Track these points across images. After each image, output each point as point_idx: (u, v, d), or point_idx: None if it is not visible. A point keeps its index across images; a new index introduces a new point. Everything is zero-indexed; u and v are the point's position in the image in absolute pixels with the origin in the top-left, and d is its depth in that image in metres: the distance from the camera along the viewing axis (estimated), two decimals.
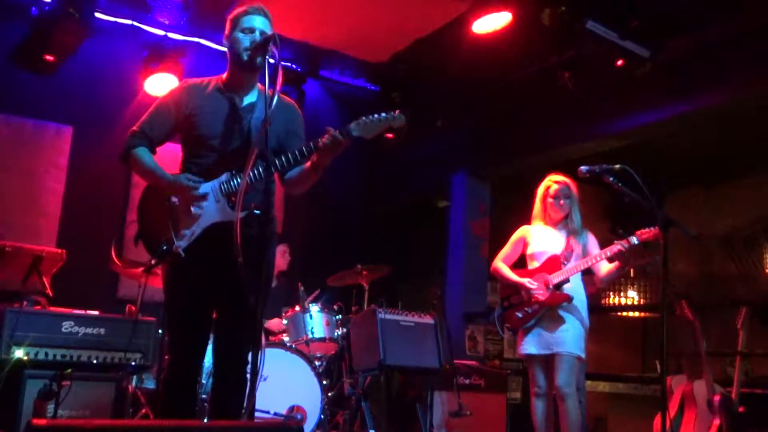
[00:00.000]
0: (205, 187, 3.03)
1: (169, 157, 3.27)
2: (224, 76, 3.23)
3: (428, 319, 5.03)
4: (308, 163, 3.06)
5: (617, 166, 3.70)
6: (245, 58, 3.06)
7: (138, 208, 3.20)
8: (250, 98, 3.19)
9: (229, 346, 3.08)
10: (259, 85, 3.20)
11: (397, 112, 2.99)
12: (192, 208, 3.02)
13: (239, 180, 2.96)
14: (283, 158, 2.99)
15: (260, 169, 2.95)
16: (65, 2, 5.44)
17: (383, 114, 2.97)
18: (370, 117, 2.96)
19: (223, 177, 3.03)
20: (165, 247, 3.01)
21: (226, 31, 3.16)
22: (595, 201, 7.77)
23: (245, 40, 3.06)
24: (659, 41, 5.41)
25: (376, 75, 7.37)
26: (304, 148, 2.99)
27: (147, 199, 3.18)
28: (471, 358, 6.51)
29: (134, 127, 3.18)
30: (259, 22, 3.09)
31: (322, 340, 5.09)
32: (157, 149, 3.22)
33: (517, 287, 4.48)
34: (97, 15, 6.00)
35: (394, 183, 8.43)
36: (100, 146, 6.21)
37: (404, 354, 4.82)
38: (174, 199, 3.04)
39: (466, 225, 7.51)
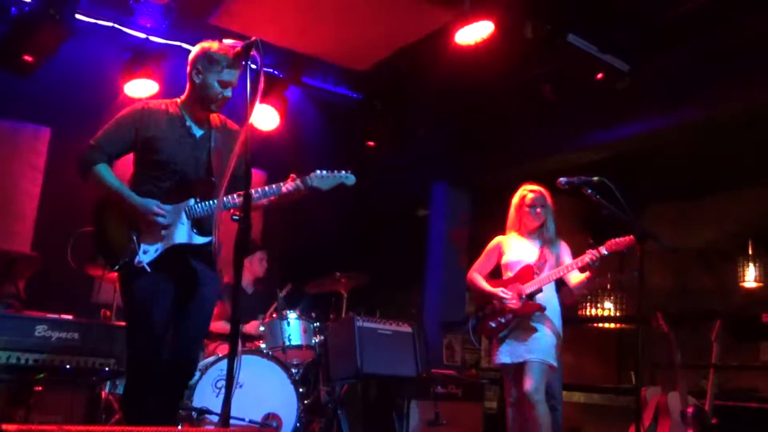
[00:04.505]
0: (169, 210, 3.15)
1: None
2: (183, 98, 3.31)
3: (406, 328, 5.03)
4: (272, 199, 3.31)
5: (596, 178, 3.74)
6: (212, 108, 3.25)
7: (95, 217, 3.21)
8: (205, 127, 3.33)
9: (187, 347, 3.28)
10: (212, 115, 3.36)
11: (349, 171, 3.43)
12: (160, 222, 3.14)
13: (203, 206, 3.20)
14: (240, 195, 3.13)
15: (224, 199, 3.11)
16: (46, 3, 5.38)
17: (335, 172, 3.40)
18: (325, 172, 3.37)
19: (189, 202, 3.19)
20: (128, 260, 3.10)
21: (200, 62, 3.18)
22: (574, 213, 7.82)
23: (217, 94, 3.18)
24: (638, 56, 5.48)
25: (358, 83, 7.37)
26: (267, 189, 3.25)
27: (106, 209, 3.21)
28: (448, 368, 6.51)
29: (92, 141, 3.24)
30: (237, 78, 3.18)
31: (299, 347, 5.06)
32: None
33: (491, 297, 4.50)
34: (78, 16, 5.93)
35: (374, 191, 8.41)
36: (78, 148, 6.12)
37: (381, 362, 4.82)
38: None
39: (445, 234, 7.52)
